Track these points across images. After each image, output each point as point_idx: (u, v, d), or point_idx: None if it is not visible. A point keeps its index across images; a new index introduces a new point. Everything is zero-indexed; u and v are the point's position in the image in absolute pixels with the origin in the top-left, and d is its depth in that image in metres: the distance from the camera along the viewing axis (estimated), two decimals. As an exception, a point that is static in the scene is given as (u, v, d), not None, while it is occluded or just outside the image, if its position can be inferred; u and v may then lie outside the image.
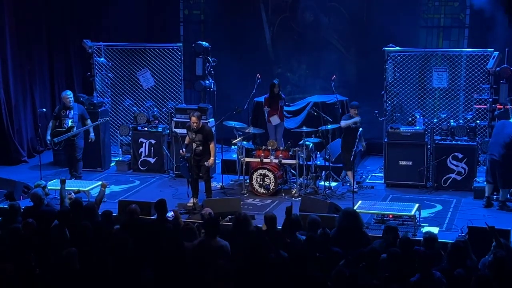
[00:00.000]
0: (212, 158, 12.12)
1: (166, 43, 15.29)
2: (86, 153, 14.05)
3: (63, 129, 13.34)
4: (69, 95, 13.51)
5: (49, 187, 11.82)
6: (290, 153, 12.90)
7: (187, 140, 12.28)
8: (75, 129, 13.36)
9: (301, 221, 9.11)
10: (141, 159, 14.61)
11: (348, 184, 13.09)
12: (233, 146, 14.22)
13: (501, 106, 12.67)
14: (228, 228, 9.52)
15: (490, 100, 13.03)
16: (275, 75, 15.59)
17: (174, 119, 14.18)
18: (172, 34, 16.87)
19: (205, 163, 12.01)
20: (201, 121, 12.20)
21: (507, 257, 7.58)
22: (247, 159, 13.12)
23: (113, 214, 9.96)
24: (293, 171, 13.22)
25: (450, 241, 8.91)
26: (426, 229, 10.38)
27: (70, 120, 13.37)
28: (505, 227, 9.82)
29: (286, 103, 14.23)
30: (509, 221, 10.98)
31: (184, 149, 12.21)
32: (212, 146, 12.12)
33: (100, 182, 12.85)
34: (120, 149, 15.44)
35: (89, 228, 8.70)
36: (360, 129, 12.51)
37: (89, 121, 13.61)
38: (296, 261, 7.64)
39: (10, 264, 7.71)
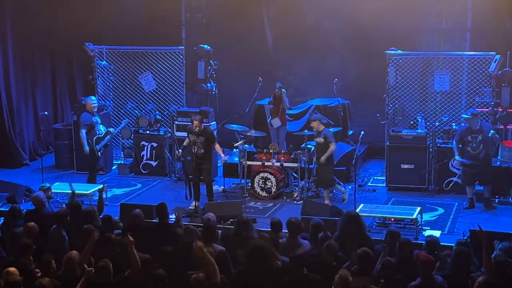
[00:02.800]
0: (223, 155, 12.40)
1: (168, 46, 15.29)
2: (87, 156, 14.14)
3: (101, 136, 13.42)
4: (94, 101, 13.58)
5: (53, 190, 11.82)
6: (291, 156, 12.90)
7: (186, 143, 12.30)
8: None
9: (302, 224, 9.11)
10: (143, 162, 14.61)
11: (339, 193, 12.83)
12: (234, 149, 14.22)
13: (502, 109, 12.68)
14: (230, 232, 9.53)
15: (492, 103, 13.01)
16: (277, 78, 15.56)
17: (176, 122, 14.20)
18: (174, 37, 16.85)
19: (221, 159, 12.20)
20: (203, 124, 12.22)
21: (507, 261, 7.57)
22: (248, 162, 13.11)
23: (114, 217, 9.98)
24: (295, 174, 13.21)
25: (452, 244, 8.89)
26: (428, 232, 10.37)
27: (100, 125, 13.48)
28: (506, 230, 9.81)
29: (289, 107, 14.21)
30: (511, 225, 11.00)
31: (180, 150, 12.24)
32: (217, 146, 12.26)
33: (101, 186, 12.92)
34: (122, 152, 15.45)
35: (92, 231, 8.67)
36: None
37: None
38: (297, 265, 7.64)
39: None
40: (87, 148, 13.19)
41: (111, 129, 13.75)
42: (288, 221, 9.05)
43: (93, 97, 13.82)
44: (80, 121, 13.41)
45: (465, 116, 12.20)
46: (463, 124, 12.63)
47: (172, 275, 7.79)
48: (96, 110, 13.56)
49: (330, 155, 12.20)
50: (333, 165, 12.52)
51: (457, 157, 12.08)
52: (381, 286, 7.40)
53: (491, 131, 11.91)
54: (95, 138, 13.25)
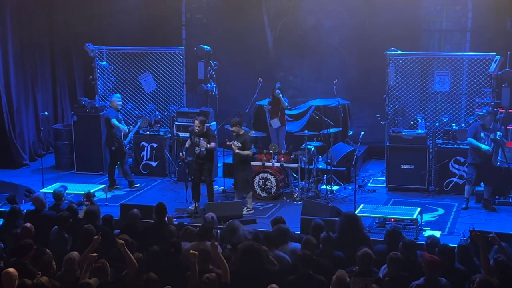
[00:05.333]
0: (212, 144, 12.00)
1: (168, 47, 15.27)
2: (88, 156, 14.13)
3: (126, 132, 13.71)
4: (119, 98, 13.88)
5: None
6: (291, 156, 12.90)
7: (188, 144, 12.29)
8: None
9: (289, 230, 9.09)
10: (143, 163, 14.61)
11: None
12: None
13: (503, 110, 12.67)
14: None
15: (492, 104, 13.00)
16: (277, 78, 15.55)
17: (176, 123, 14.20)
18: (174, 38, 16.86)
19: (208, 145, 11.88)
20: (205, 125, 12.19)
21: (508, 261, 7.57)
22: (249, 163, 13.10)
23: (115, 218, 9.98)
24: (295, 175, 13.20)
25: (453, 245, 8.90)
26: (428, 233, 10.36)
27: (123, 122, 13.76)
28: (506, 231, 9.80)
29: (288, 107, 14.21)
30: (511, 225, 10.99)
31: (183, 152, 12.23)
32: (212, 145, 12.00)
33: (103, 185, 12.94)
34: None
35: (93, 232, 8.67)
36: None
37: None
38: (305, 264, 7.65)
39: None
40: (125, 127, 13.57)
41: (131, 127, 13.99)
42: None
43: (117, 95, 14.00)
44: (108, 116, 13.49)
45: (480, 113, 12.15)
46: (475, 121, 12.58)
47: (160, 274, 7.82)
48: (120, 107, 13.82)
49: (246, 158, 12.12)
50: (251, 168, 12.45)
51: (483, 147, 11.91)
52: (386, 283, 7.39)
53: (498, 134, 11.86)
54: (122, 133, 13.42)
